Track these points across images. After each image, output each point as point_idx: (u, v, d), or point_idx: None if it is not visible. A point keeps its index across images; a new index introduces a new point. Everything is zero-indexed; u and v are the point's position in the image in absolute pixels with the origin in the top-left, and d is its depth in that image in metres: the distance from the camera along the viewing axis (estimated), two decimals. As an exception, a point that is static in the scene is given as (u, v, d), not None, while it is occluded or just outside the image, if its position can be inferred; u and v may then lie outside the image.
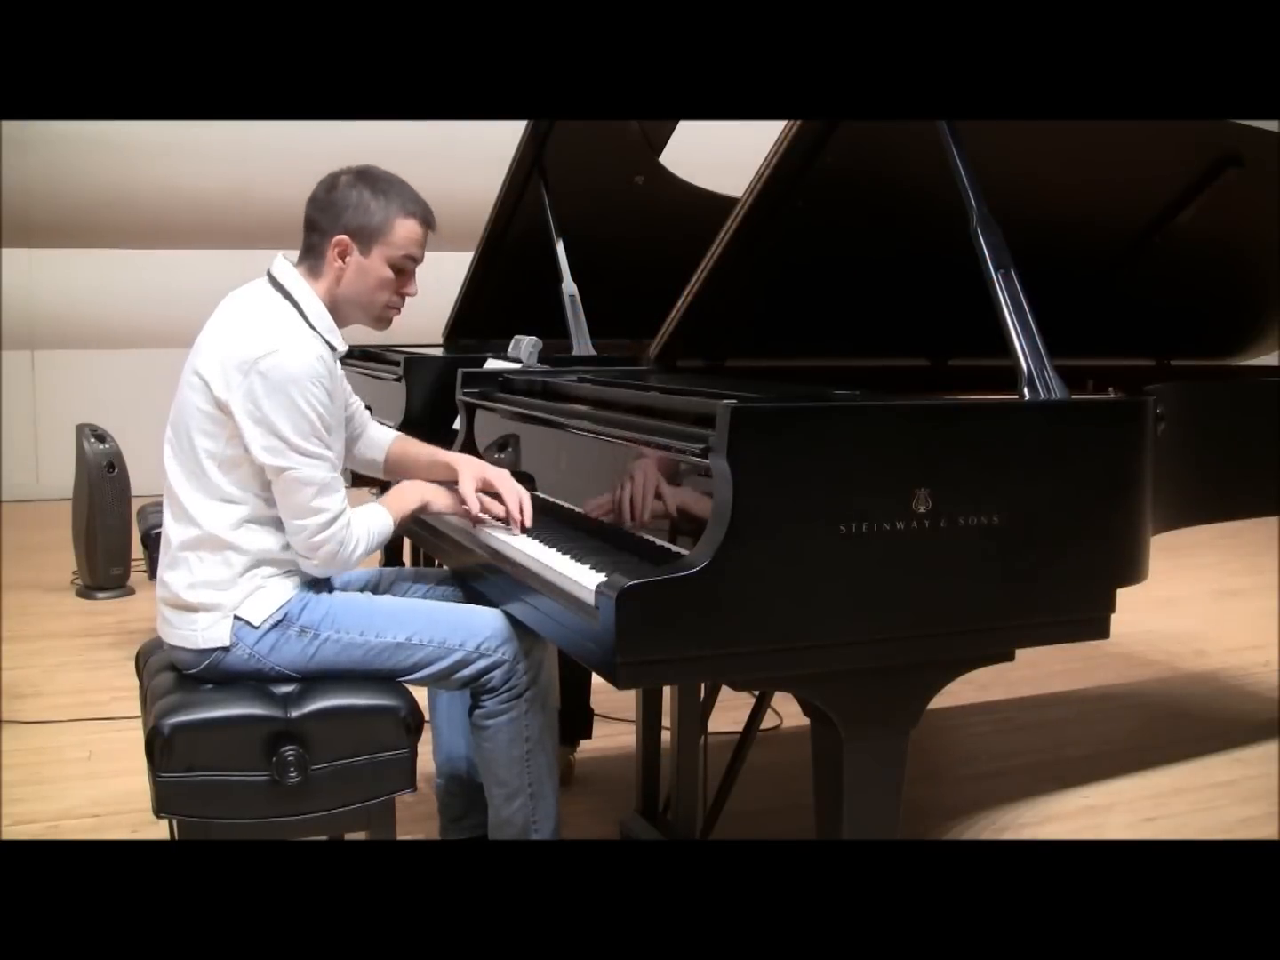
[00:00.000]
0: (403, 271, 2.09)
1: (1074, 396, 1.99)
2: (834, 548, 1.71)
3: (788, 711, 3.11)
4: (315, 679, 2.03)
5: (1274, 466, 2.68)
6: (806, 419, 1.74)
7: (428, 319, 3.42)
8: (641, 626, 1.61)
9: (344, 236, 2.04)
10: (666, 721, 2.53)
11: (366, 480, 3.01)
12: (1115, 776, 3.13)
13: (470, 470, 2.24)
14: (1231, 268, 3.07)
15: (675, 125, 3.55)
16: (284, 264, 2.09)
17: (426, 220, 2.10)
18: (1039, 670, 3.93)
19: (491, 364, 2.93)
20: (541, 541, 2.07)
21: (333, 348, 2.08)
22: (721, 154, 4.40)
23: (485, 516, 2.19)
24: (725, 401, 1.68)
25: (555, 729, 2.20)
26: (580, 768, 3.08)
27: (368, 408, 2.40)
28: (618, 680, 1.64)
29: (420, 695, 2.11)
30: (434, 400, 3.06)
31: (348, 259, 2.05)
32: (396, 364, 3.18)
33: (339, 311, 2.09)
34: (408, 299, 2.13)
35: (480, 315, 3.90)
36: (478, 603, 2.22)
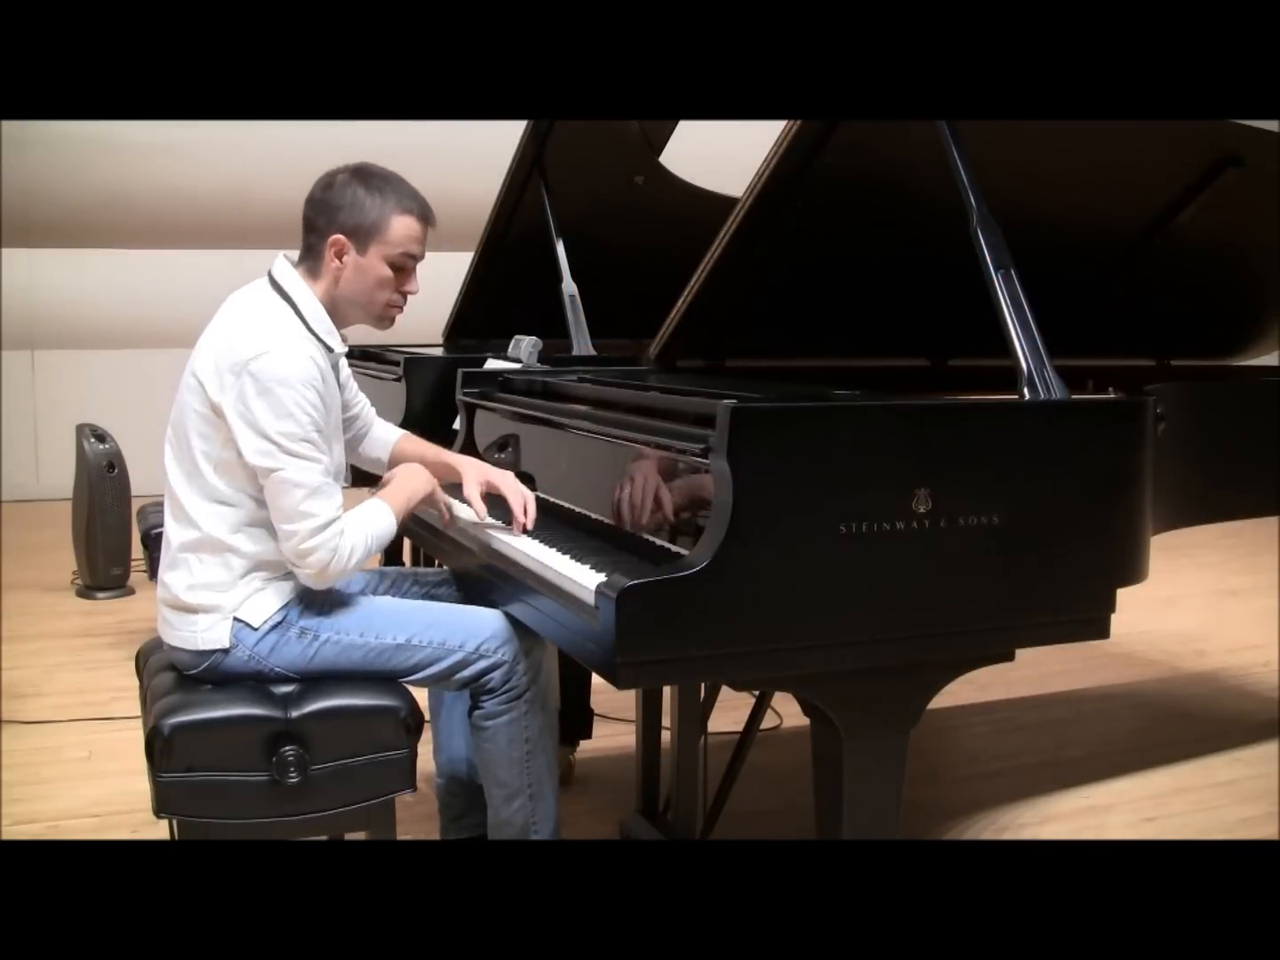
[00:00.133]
0: (402, 269, 2.06)
1: (1074, 396, 1.99)
2: (834, 548, 1.71)
3: (788, 711, 3.11)
4: (315, 679, 2.03)
5: (1274, 466, 2.68)
6: (806, 419, 1.74)
7: (428, 319, 3.42)
8: (641, 626, 1.61)
9: (340, 236, 2.02)
10: (666, 721, 2.53)
11: (367, 479, 3.02)
12: (1115, 776, 3.13)
13: (474, 472, 2.24)
14: (1231, 268, 3.07)
15: (675, 125, 3.55)
16: (284, 265, 2.08)
17: (424, 216, 2.07)
18: (1039, 670, 3.93)
19: (491, 364, 2.93)
20: (541, 541, 2.07)
21: (330, 349, 2.06)
22: (721, 154, 4.40)
23: (493, 520, 2.19)
24: (725, 401, 1.68)
25: (555, 730, 2.20)
26: (580, 768, 3.08)
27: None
28: (618, 680, 1.64)
29: (420, 695, 2.11)
30: (434, 400, 3.06)
31: (345, 259, 2.03)
32: (396, 364, 3.18)
33: (339, 312, 2.08)
34: (409, 297, 2.11)
35: (480, 315, 3.90)
36: (477, 603, 2.22)
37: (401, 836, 2.12)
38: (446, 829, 2.47)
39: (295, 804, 1.93)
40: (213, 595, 2.00)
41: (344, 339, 2.13)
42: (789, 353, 2.77)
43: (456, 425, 2.70)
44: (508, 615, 2.11)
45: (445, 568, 2.46)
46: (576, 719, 3.02)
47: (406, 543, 3.56)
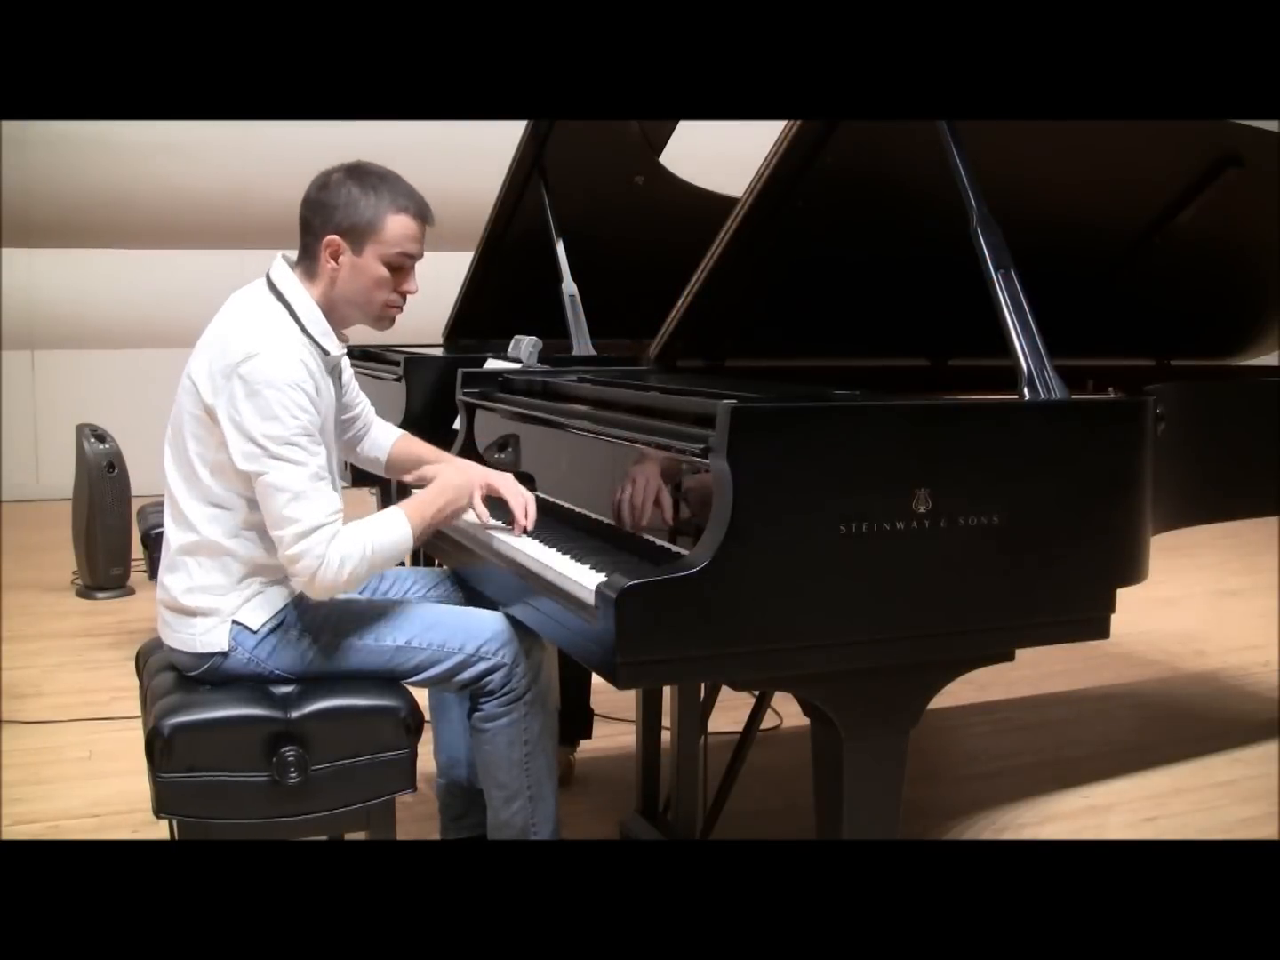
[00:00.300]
0: (400, 269, 2.03)
1: (1074, 396, 1.99)
2: (834, 548, 1.71)
3: (788, 711, 3.11)
4: (315, 680, 2.03)
5: (1274, 466, 2.68)
6: (806, 419, 1.74)
7: (428, 319, 3.42)
8: (641, 626, 1.61)
9: (335, 237, 1.99)
10: (666, 721, 2.53)
11: (367, 479, 3.02)
12: (1115, 776, 3.13)
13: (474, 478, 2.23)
14: (1231, 268, 3.07)
15: (675, 125, 3.55)
16: (281, 266, 2.06)
17: (421, 215, 2.04)
18: (1039, 670, 3.93)
19: (491, 364, 2.93)
20: (541, 541, 2.07)
21: (326, 352, 2.04)
22: (721, 154, 4.40)
23: (494, 522, 2.18)
24: (725, 401, 1.68)
25: (555, 731, 2.20)
26: (580, 768, 3.08)
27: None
28: (618, 680, 1.64)
29: (420, 695, 2.10)
30: (434, 400, 3.06)
31: (341, 259, 2.00)
32: (396, 364, 3.18)
33: (337, 313, 2.05)
34: (409, 297, 2.07)
35: (480, 315, 3.90)
36: (477, 603, 2.22)
37: (401, 836, 2.12)
38: (446, 829, 2.47)
39: (295, 804, 1.93)
40: (211, 599, 2.00)
41: (345, 339, 2.12)
42: (789, 353, 2.77)
43: (456, 425, 2.70)
44: (508, 617, 2.11)
45: (445, 568, 2.46)
46: (576, 719, 3.02)
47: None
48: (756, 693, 2.38)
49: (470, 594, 2.29)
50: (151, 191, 6.83)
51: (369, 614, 2.08)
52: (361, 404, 2.35)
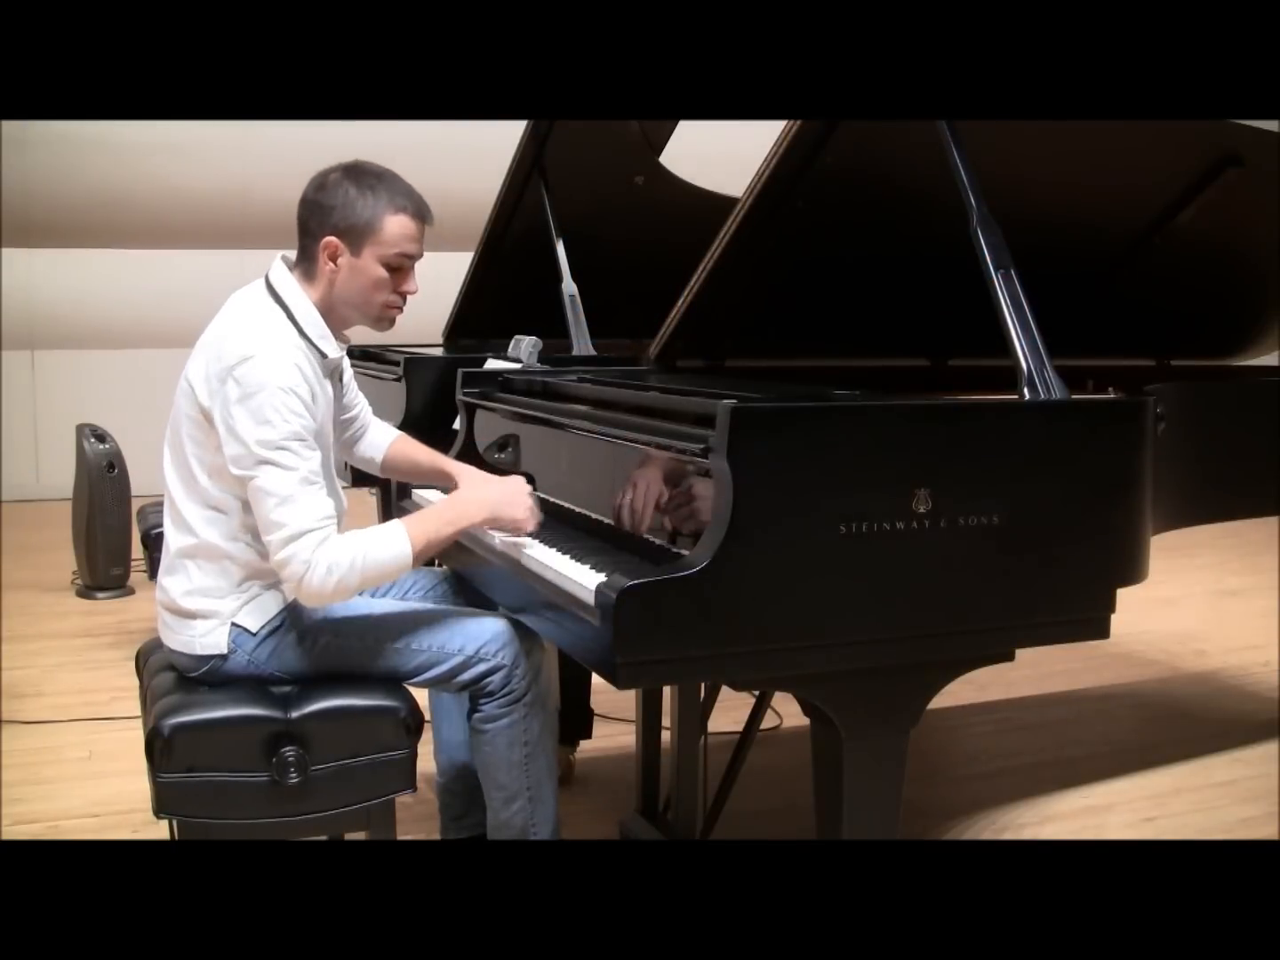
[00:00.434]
0: (399, 270, 2.01)
1: (1074, 396, 1.99)
2: (834, 548, 1.71)
3: (788, 711, 3.11)
4: (315, 680, 2.03)
5: (1274, 466, 2.68)
6: (806, 419, 1.74)
7: (428, 319, 3.42)
8: (641, 626, 1.61)
9: (333, 238, 1.97)
10: (666, 721, 2.53)
11: (367, 479, 3.02)
12: (1115, 776, 3.13)
13: (472, 481, 2.22)
14: (1231, 268, 3.07)
15: (675, 125, 3.55)
16: (281, 268, 2.04)
17: (420, 214, 2.01)
18: (1039, 670, 3.93)
19: (491, 364, 2.93)
20: (541, 541, 2.07)
21: (324, 355, 2.02)
22: (721, 154, 4.40)
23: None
24: (725, 401, 1.68)
25: (555, 732, 2.20)
26: (580, 768, 3.08)
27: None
28: (618, 680, 1.64)
29: (420, 695, 2.10)
30: (434, 400, 3.06)
31: (339, 261, 1.98)
32: (396, 364, 3.18)
33: (337, 314, 2.04)
34: (409, 297, 2.05)
35: (480, 315, 3.90)
36: (477, 603, 2.22)
37: (401, 836, 2.12)
38: (447, 828, 2.47)
39: (295, 804, 1.93)
40: (210, 601, 1.99)
41: (346, 340, 2.11)
42: (789, 353, 2.77)
43: (456, 425, 2.70)
44: (508, 618, 2.11)
45: (445, 568, 2.46)
46: (576, 719, 3.02)
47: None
48: (756, 693, 2.38)
49: (470, 594, 2.29)
50: (151, 191, 6.83)
51: (368, 615, 2.08)
52: (360, 404, 2.35)
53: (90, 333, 7.14)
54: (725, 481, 1.66)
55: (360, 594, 2.19)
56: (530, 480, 2.36)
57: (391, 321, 2.07)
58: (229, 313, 2.02)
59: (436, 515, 2.02)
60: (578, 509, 2.20)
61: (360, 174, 1.99)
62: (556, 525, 2.19)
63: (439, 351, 3.75)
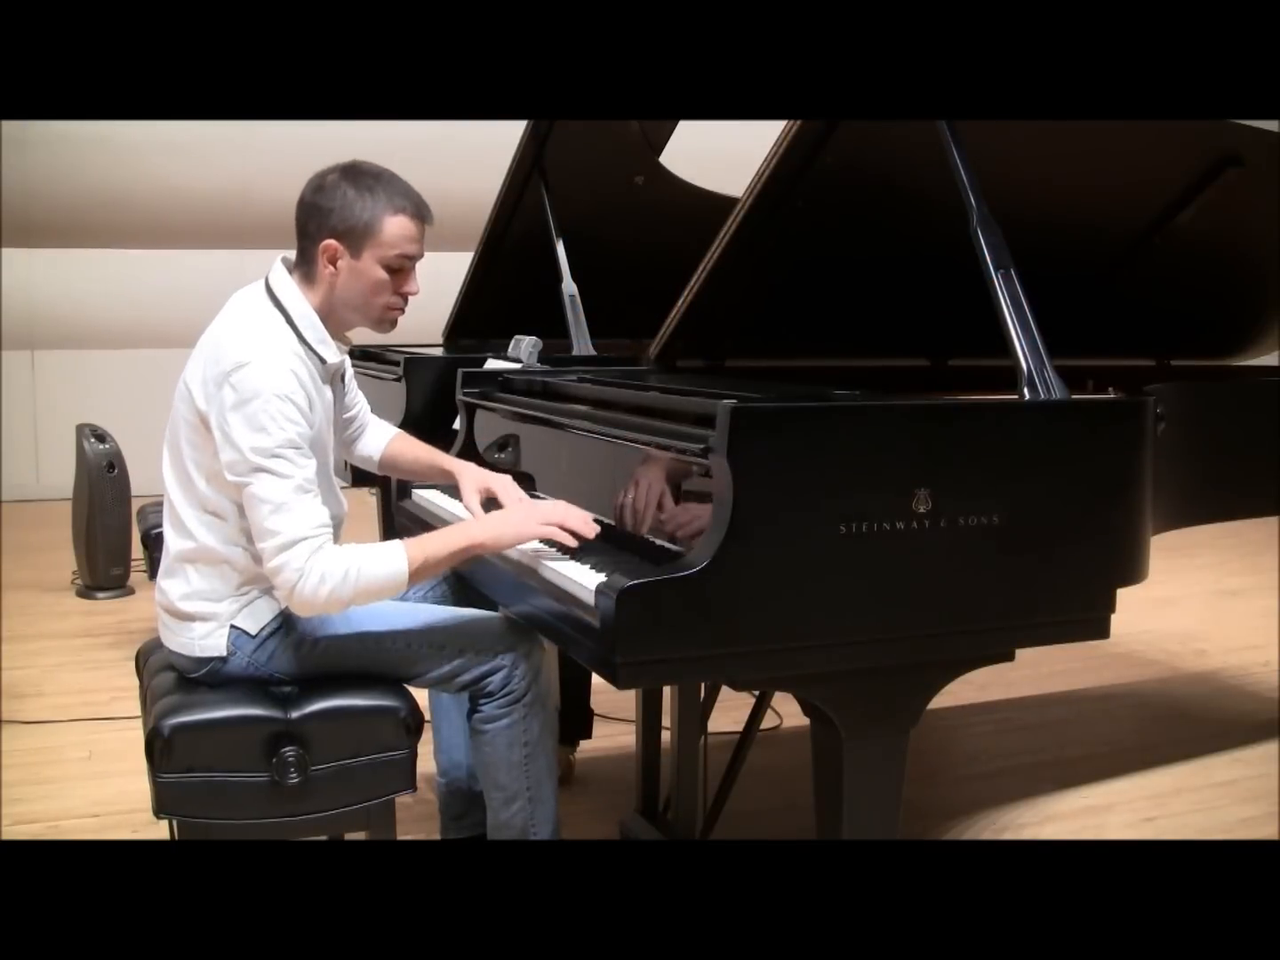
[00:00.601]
0: (399, 271, 1.99)
1: (1074, 396, 1.99)
2: (834, 548, 1.71)
3: (788, 711, 3.11)
4: (315, 680, 2.03)
5: (1274, 466, 2.68)
6: (806, 419, 1.74)
7: (428, 319, 3.42)
8: (641, 626, 1.61)
9: (331, 241, 1.95)
10: (666, 721, 2.53)
11: (366, 480, 3.02)
12: (1115, 776, 3.13)
13: (471, 479, 2.21)
14: (1231, 268, 3.07)
15: (675, 125, 3.55)
16: (280, 270, 2.02)
17: (419, 214, 1.99)
18: (1039, 670, 3.93)
19: (491, 364, 2.93)
20: (542, 541, 2.06)
21: (323, 361, 2.00)
22: (721, 154, 4.40)
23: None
24: (725, 401, 1.68)
25: (555, 732, 2.19)
26: (580, 768, 3.08)
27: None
28: (618, 680, 1.64)
29: (420, 695, 2.10)
30: (434, 400, 3.06)
31: (339, 264, 1.96)
32: (396, 364, 3.18)
33: (337, 317, 2.02)
34: (410, 298, 2.03)
35: (480, 315, 3.90)
36: (477, 603, 2.22)
37: (401, 836, 2.12)
38: (447, 828, 2.47)
39: (295, 804, 1.93)
40: (208, 605, 1.99)
41: (348, 342, 2.10)
42: (789, 353, 2.77)
43: (456, 425, 2.70)
44: (508, 618, 2.11)
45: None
46: (576, 719, 3.02)
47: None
48: (756, 693, 2.38)
49: (470, 594, 2.29)
50: (151, 191, 6.83)
51: (368, 616, 2.07)
52: (360, 404, 2.35)
53: (90, 333, 7.14)
54: (725, 481, 1.66)
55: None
56: (530, 480, 2.36)
57: (393, 323, 2.05)
58: (228, 316, 2.00)
59: (437, 537, 1.98)
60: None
61: (358, 175, 1.97)
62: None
63: (439, 351, 3.75)
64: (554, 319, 3.39)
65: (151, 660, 2.16)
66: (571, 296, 3.41)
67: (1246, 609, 4.85)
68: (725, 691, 2.30)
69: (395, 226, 1.96)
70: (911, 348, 2.93)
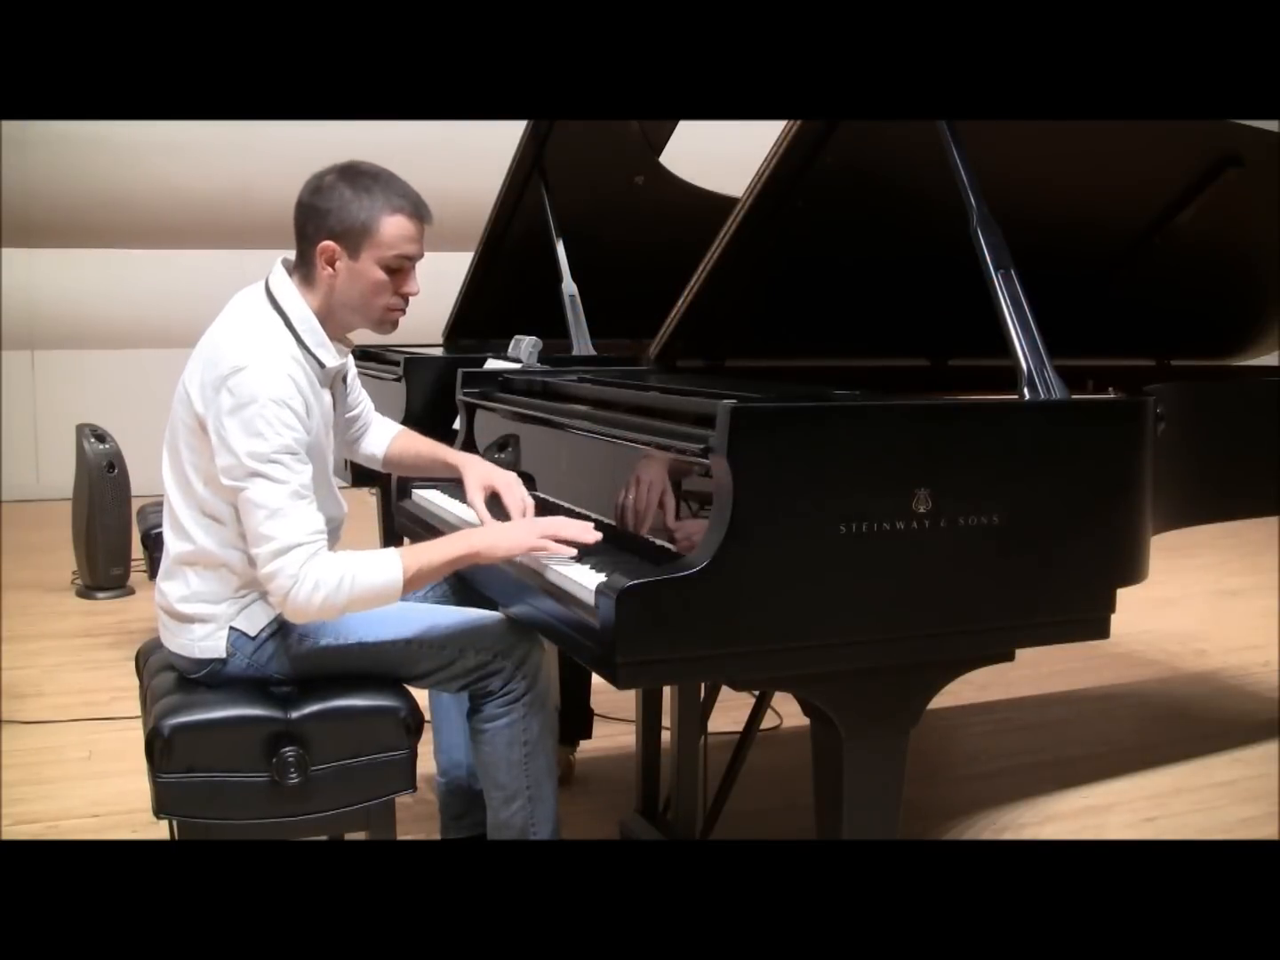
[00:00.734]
0: (398, 271, 1.97)
1: (1074, 396, 1.99)
2: (834, 548, 1.71)
3: (788, 711, 3.11)
4: (315, 680, 2.03)
5: (1274, 466, 2.68)
6: (806, 419, 1.74)
7: (428, 319, 3.41)
8: (641, 626, 1.61)
9: (329, 242, 1.93)
10: (666, 721, 2.53)
11: (367, 479, 3.02)
12: (1115, 776, 3.13)
13: (476, 474, 2.20)
14: (1231, 268, 3.07)
15: (675, 125, 3.55)
16: (280, 273, 2.01)
17: (418, 214, 1.98)
18: (1039, 670, 3.93)
19: (491, 364, 2.93)
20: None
21: (322, 365, 1.99)
22: (721, 154, 4.40)
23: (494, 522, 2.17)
24: (725, 401, 1.68)
25: (554, 732, 2.20)
26: (580, 768, 3.08)
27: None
28: (618, 680, 1.64)
29: (421, 695, 2.10)
30: (434, 400, 3.06)
31: (337, 265, 1.95)
32: (396, 364, 3.18)
33: (337, 319, 2.01)
34: (411, 298, 2.02)
35: (480, 315, 3.90)
36: (476, 604, 2.22)
37: (401, 836, 2.12)
38: (447, 828, 2.47)
39: (295, 804, 1.93)
40: (207, 607, 1.98)
41: (349, 344, 2.10)
42: (789, 353, 2.77)
43: (456, 425, 2.70)
44: (508, 617, 2.11)
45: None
46: (576, 719, 3.02)
47: (405, 542, 3.56)
48: (756, 693, 2.38)
49: (470, 594, 2.29)
50: (151, 191, 6.83)
51: (367, 615, 2.07)
52: (363, 403, 2.35)
53: (90, 333, 7.14)
54: (725, 481, 1.66)
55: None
56: (530, 480, 2.36)
57: (394, 324, 2.04)
58: (227, 318, 1.99)
59: (433, 545, 1.98)
60: (578, 509, 2.20)
61: (355, 175, 1.96)
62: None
63: (439, 351, 3.75)
64: (554, 319, 3.39)
65: (151, 660, 2.16)
66: (571, 296, 3.41)
67: (1246, 609, 4.85)
68: (725, 691, 2.30)
69: (393, 227, 1.95)
70: (911, 348, 2.93)
